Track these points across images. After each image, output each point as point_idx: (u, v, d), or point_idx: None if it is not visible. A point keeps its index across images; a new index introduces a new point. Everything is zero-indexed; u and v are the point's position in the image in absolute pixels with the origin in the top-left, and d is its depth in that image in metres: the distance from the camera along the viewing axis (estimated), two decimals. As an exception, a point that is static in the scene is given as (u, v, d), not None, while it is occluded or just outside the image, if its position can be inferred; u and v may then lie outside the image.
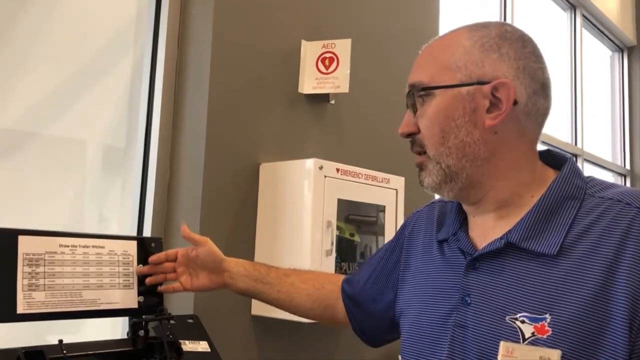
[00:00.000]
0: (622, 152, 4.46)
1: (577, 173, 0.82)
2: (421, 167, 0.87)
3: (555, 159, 0.86)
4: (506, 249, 0.79)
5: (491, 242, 0.81)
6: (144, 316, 1.06)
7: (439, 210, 0.97)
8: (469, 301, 0.80)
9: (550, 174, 0.84)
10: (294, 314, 1.20)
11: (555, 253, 0.75)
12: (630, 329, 0.69)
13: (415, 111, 0.86)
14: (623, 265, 0.71)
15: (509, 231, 0.80)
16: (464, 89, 0.81)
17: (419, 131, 0.85)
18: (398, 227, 1.60)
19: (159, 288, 1.11)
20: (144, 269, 1.10)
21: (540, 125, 0.85)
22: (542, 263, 0.76)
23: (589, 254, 0.74)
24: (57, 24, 1.42)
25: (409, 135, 0.88)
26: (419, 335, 0.88)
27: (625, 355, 0.69)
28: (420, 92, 0.84)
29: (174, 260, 1.13)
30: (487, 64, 0.80)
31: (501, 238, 0.80)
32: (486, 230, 0.84)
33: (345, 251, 1.52)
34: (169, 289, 1.12)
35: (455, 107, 0.81)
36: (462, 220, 0.89)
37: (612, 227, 0.74)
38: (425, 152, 0.86)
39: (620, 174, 4.44)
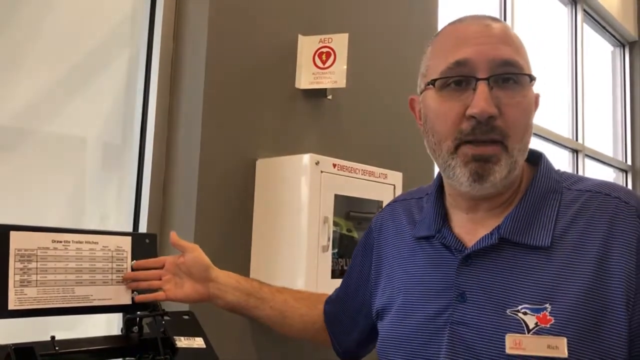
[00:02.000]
0: (623, 148, 4.45)
1: (552, 168, 0.86)
2: (490, 159, 0.78)
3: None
4: (498, 244, 0.80)
5: (482, 238, 0.81)
6: (137, 312, 1.05)
7: (404, 207, 0.97)
8: (466, 298, 0.80)
9: (528, 169, 0.86)
10: (285, 333, 1.15)
11: (548, 245, 0.77)
12: (627, 308, 0.72)
13: (491, 89, 0.77)
14: (614, 251, 0.75)
15: (498, 226, 0.81)
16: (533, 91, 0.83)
17: (498, 115, 0.77)
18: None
19: (135, 298, 1.04)
20: (129, 274, 1.05)
21: None
22: (536, 255, 0.78)
23: (579, 243, 0.77)
24: (53, 21, 1.41)
25: (489, 117, 0.76)
26: (406, 335, 0.86)
27: (626, 335, 0.72)
28: (529, 79, 0.79)
29: (162, 267, 1.08)
30: None
31: (492, 233, 0.81)
32: (475, 226, 0.84)
33: (345, 247, 1.51)
34: (148, 298, 1.04)
35: (533, 106, 0.82)
36: (444, 216, 0.88)
37: (597, 217, 0.78)
38: (499, 142, 0.77)
39: (621, 170, 4.42)
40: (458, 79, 0.79)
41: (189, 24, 1.49)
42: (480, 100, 0.76)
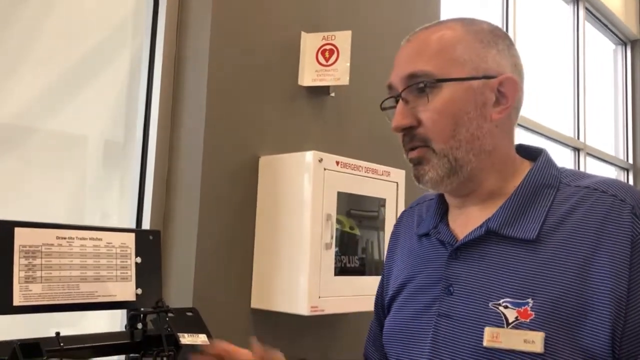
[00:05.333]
0: (625, 146, 4.44)
1: (552, 163, 0.86)
2: (420, 161, 0.84)
3: (529, 151, 0.89)
4: (487, 236, 0.81)
5: (472, 231, 0.83)
6: (141, 309, 1.05)
7: (417, 210, 1.00)
8: (452, 290, 0.81)
9: (527, 165, 0.87)
10: None
11: (534, 238, 0.78)
12: (615, 308, 0.71)
13: (407, 102, 0.84)
14: (603, 249, 0.74)
15: (489, 219, 0.82)
16: (474, 83, 0.82)
17: (418, 124, 0.83)
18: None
19: None
20: None
21: (517, 119, 0.89)
22: (523, 249, 0.78)
23: (568, 239, 0.76)
24: (55, 18, 1.41)
25: (406, 129, 0.84)
26: (400, 328, 0.88)
27: (607, 337, 0.71)
28: (431, 84, 0.82)
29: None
30: (489, 59, 0.83)
31: (481, 226, 0.82)
32: (468, 220, 0.86)
33: (346, 245, 1.51)
34: None
35: (467, 101, 0.82)
36: (443, 214, 0.91)
37: (590, 214, 0.77)
38: (425, 146, 0.83)
39: (622, 168, 4.42)
40: (389, 100, 0.89)
41: (192, 21, 1.49)
42: (396, 115, 0.84)
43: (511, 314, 0.75)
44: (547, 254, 0.77)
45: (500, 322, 0.75)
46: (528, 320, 0.73)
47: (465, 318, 0.79)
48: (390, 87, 0.87)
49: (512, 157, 0.86)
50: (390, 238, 1.05)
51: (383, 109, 0.91)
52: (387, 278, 1.01)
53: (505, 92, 0.83)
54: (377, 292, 1.07)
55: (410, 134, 0.84)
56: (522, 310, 0.74)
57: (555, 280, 0.74)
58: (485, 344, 0.75)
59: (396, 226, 1.05)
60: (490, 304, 0.77)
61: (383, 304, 1.02)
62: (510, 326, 0.74)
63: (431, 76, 0.82)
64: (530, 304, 0.74)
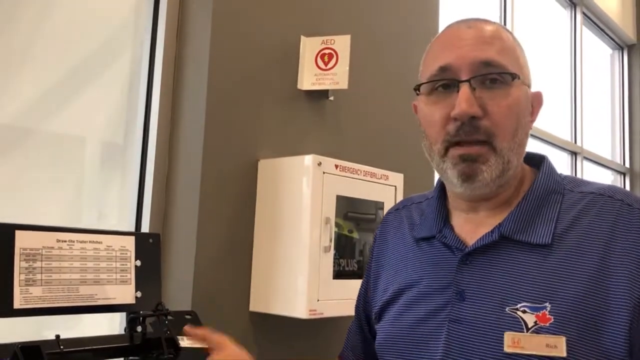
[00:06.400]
0: (622, 151, 4.46)
1: (554, 170, 0.87)
2: (476, 158, 0.79)
3: (528, 157, 0.89)
4: (498, 242, 0.81)
5: (483, 236, 0.82)
6: (141, 312, 1.05)
7: (405, 213, 0.99)
8: (464, 296, 0.80)
9: (530, 171, 0.88)
10: None
11: (549, 242, 0.78)
12: (632, 309, 0.72)
13: (474, 90, 0.78)
14: (617, 251, 0.75)
15: (500, 224, 0.82)
16: (528, 90, 0.84)
17: (482, 116, 0.78)
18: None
19: None
20: None
21: None
22: (536, 253, 0.79)
23: (581, 243, 0.77)
24: (55, 19, 1.41)
25: (470, 118, 0.77)
26: (404, 333, 0.87)
27: (626, 338, 0.71)
28: (513, 78, 0.79)
29: None
30: (529, 72, 0.86)
31: (492, 232, 0.81)
32: (475, 225, 0.85)
33: (344, 248, 1.52)
34: None
35: (526, 105, 0.83)
36: (445, 218, 0.89)
37: (600, 218, 0.78)
38: (485, 142, 0.78)
39: (619, 172, 4.44)
40: (444, 83, 0.81)
41: (192, 24, 1.49)
42: (461, 101, 0.77)
43: (530, 319, 0.75)
44: (559, 258, 0.77)
45: (519, 327, 0.75)
46: (547, 325, 0.73)
47: (481, 324, 0.78)
48: (445, 69, 0.80)
49: (522, 164, 0.87)
50: (376, 241, 1.02)
51: (433, 89, 0.82)
52: (375, 282, 0.98)
53: (534, 106, 0.86)
54: (359, 296, 1.05)
55: (473, 124, 0.78)
56: (540, 315, 0.74)
57: (571, 283, 0.75)
58: (506, 349, 0.74)
59: (382, 228, 1.02)
60: (507, 309, 0.76)
61: (367, 309, 1.01)
62: (530, 331, 0.74)
63: (506, 70, 0.79)
64: (548, 308, 0.74)
